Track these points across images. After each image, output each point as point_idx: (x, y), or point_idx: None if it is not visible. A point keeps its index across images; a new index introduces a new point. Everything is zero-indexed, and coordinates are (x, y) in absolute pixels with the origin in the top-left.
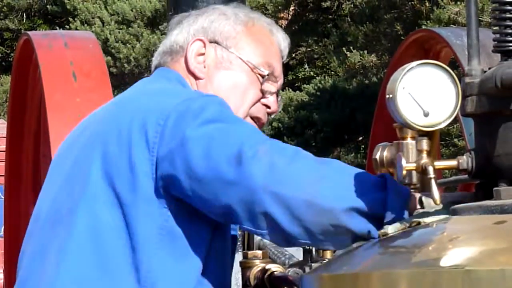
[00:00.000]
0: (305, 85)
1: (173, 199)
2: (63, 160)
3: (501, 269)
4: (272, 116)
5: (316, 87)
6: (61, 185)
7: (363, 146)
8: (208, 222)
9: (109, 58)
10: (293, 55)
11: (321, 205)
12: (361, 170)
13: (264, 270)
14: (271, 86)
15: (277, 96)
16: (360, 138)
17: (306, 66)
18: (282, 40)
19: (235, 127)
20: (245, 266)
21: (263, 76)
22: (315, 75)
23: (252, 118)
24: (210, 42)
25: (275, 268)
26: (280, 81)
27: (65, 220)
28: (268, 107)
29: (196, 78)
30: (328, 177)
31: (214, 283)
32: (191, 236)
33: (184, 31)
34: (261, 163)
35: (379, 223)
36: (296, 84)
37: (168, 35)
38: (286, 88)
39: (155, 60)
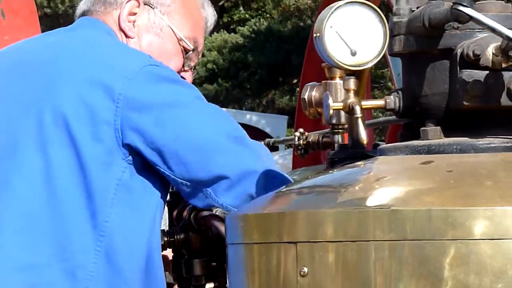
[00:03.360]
0: (240, 27)
1: (133, 151)
2: None
3: (427, 209)
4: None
5: (251, 29)
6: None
7: (297, 89)
8: (159, 177)
9: None
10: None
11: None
12: None
13: (190, 210)
14: (192, 60)
15: (194, 69)
16: (295, 81)
17: (241, 8)
18: (210, 17)
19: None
20: (172, 206)
21: (187, 51)
22: (250, 17)
23: None
24: (145, 4)
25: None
26: (200, 55)
27: (8, 156)
28: (184, 79)
29: (127, 36)
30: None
31: (158, 233)
32: (146, 188)
33: None
34: (251, 149)
35: None
36: (231, 26)
37: None
38: (221, 30)
39: (84, 5)
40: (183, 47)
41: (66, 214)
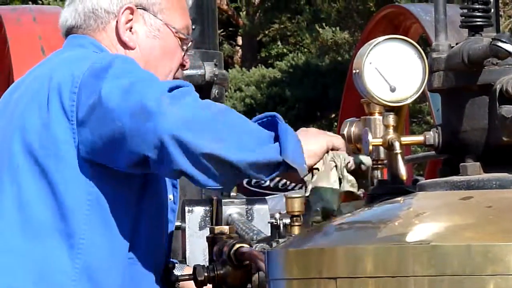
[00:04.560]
0: (278, 62)
1: (96, 165)
2: None
3: (467, 245)
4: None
5: (288, 64)
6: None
7: (335, 123)
8: (132, 186)
9: None
10: (266, 32)
11: (224, 158)
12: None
13: (231, 246)
14: (187, 46)
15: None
16: (333, 116)
17: (279, 43)
18: None
19: (135, 81)
20: (212, 242)
21: (183, 40)
22: (288, 52)
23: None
24: (137, 8)
25: (242, 243)
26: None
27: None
28: (183, 65)
29: (128, 47)
30: (228, 130)
31: (147, 246)
32: (118, 201)
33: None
34: (168, 114)
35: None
36: (269, 61)
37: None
38: (259, 64)
39: (72, 20)
40: (179, 37)
41: (41, 238)
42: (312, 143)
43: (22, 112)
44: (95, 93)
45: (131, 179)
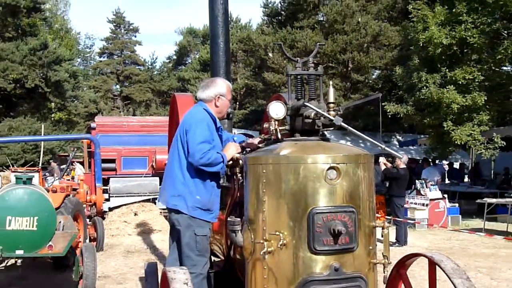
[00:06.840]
0: (246, 108)
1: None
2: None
3: (297, 155)
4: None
5: (249, 110)
6: (174, 141)
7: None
8: None
9: None
10: (242, 102)
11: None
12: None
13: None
14: (229, 101)
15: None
16: (260, 122)
17: (248, 104)
18: (230, 86)
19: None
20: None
21: (230, 100)
22: (249, 107)
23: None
24: (220, 95)
25: (237, 154)
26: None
27: (173, 148)
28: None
29: (217, 107)
30: (211, 165)
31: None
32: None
33: (211, 91)
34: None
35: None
36: (245, 109)
37: (203, 89)
38: (242, 109)
39: (200, 95)
40: (228, 100)
41: (181, 168)
42: (231, 150)
43: (179, 128)
44: (192, 133)
45: None
